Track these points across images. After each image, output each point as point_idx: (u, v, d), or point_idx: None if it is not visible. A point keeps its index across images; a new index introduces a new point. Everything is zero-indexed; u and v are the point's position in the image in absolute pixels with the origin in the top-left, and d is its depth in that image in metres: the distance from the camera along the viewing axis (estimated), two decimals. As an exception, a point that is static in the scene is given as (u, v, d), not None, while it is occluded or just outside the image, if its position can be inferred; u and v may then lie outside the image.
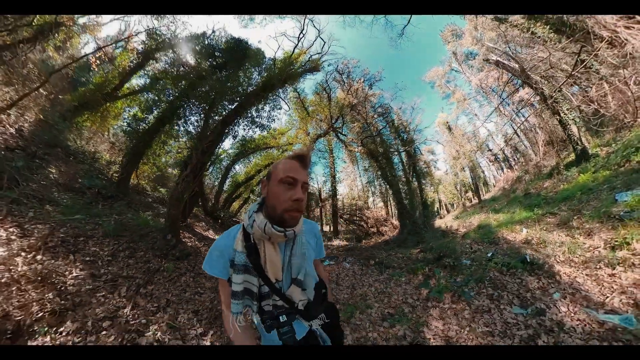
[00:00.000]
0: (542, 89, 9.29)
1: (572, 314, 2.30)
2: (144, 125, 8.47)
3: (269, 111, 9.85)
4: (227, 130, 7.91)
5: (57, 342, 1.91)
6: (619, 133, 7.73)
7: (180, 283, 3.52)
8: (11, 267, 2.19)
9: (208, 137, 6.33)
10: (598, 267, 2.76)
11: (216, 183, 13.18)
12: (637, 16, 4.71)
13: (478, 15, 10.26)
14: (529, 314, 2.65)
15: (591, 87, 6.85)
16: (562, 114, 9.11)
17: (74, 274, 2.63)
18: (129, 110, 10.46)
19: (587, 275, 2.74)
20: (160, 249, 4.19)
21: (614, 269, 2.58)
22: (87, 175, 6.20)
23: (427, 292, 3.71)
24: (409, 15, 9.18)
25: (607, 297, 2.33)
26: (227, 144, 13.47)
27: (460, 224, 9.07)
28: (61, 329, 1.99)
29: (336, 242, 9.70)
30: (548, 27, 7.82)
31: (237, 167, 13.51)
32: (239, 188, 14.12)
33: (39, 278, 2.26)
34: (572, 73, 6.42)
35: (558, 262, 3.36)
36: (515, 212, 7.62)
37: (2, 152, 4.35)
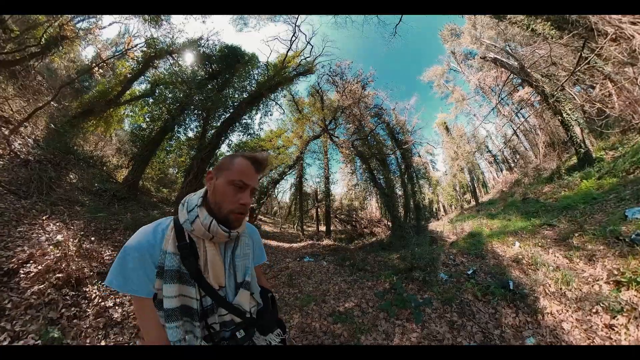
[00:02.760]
0: (543, 87, 8.33)
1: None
2: (148, 133, 8.68)
3: (261, 117, 9.57)
4: (222, 139, 8.16)
5: (100, 291, 2.61)
6: (626, 135, 6.73)
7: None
8: (67, 248, 2.89)
9: (206, 147, 6.65)
10: (594, 310, 2.09)
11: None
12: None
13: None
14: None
15: (595, 86, 5.97)
16: (564, 114, 8.13)
17: (108, 253, 3.41)
18: (131, 114, 10.42)
19: (577, 320, 2.08)
20: (170, 239, 5.17)
21: (614, 317, 1.91)
22: (100, 179, 6.76)
23: (380, 302, 3.30)
24: (400, 15, 8.43)
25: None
26: (224, 147, 13.36)
27: (451, 229, 8.31)
28: (104, 282, 2.60)
29: (325, 242, 9.21)
30: (549, 23, 6.89)
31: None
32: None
33: (86, 254, 3.06)
34: (575, 70, 5.58)
35: (547, 293, 2.68)
36: (511, 219, 6.84)
37: (36, 165, 4.87)
